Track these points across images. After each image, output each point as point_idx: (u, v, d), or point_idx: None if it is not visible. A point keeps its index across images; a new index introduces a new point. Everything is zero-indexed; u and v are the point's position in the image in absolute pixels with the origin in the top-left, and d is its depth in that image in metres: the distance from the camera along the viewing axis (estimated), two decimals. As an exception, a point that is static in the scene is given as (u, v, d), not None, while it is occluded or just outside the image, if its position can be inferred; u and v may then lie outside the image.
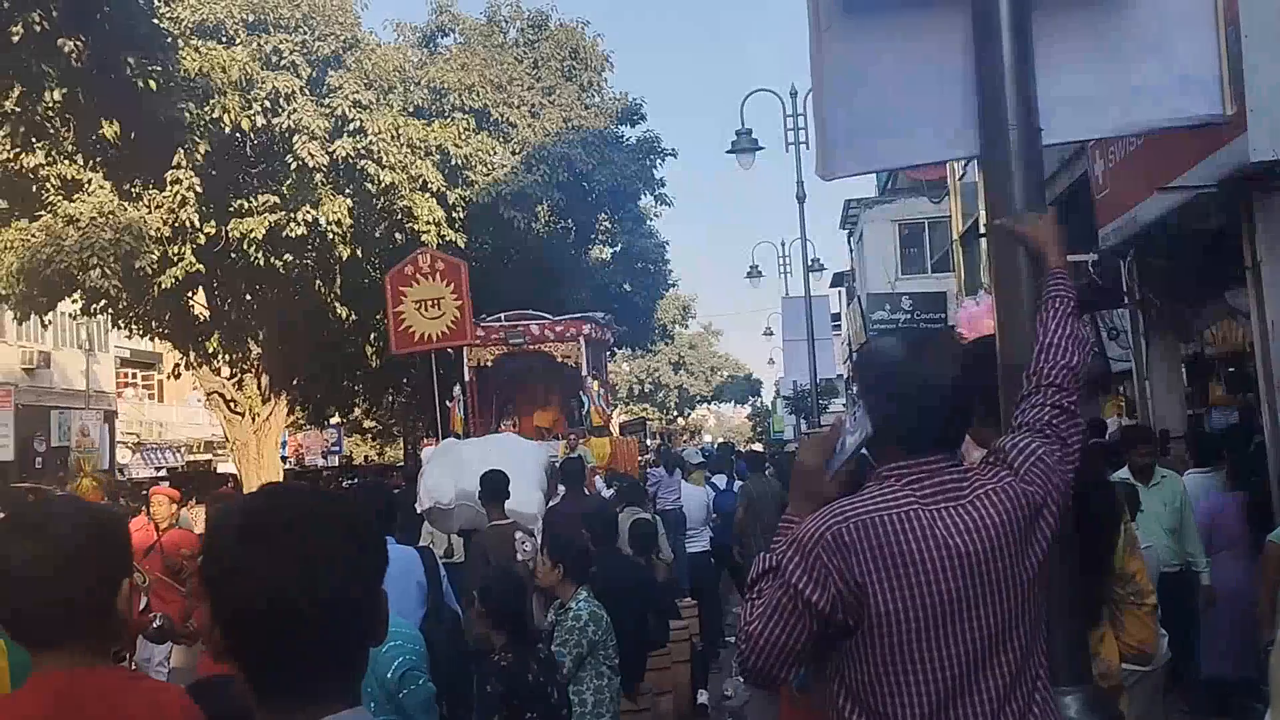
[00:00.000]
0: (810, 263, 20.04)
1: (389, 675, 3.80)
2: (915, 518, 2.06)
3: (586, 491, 9.53)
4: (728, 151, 17.61)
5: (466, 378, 16.90)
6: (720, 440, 43.14)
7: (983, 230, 14.35)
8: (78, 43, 10.05)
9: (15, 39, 9.83)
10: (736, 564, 11.52)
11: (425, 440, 24.13)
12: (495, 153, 20.50)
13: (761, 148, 17.55)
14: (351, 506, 1.42)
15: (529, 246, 21.50)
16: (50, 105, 11.10)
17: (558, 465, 9.67)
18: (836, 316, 33.82)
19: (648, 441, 23.04)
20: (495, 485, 7.63)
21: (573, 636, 5.48)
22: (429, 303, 14.06)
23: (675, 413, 64.74)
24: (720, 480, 13.41)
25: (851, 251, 33.81)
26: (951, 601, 2.03)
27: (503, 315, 17.54)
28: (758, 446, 38.24)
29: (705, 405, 73.83)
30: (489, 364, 17.15)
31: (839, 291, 36.73)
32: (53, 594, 1.92)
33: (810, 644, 2.07)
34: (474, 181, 20.04)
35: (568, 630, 5.52)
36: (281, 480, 21.11)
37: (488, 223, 20.62)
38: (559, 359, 17.00)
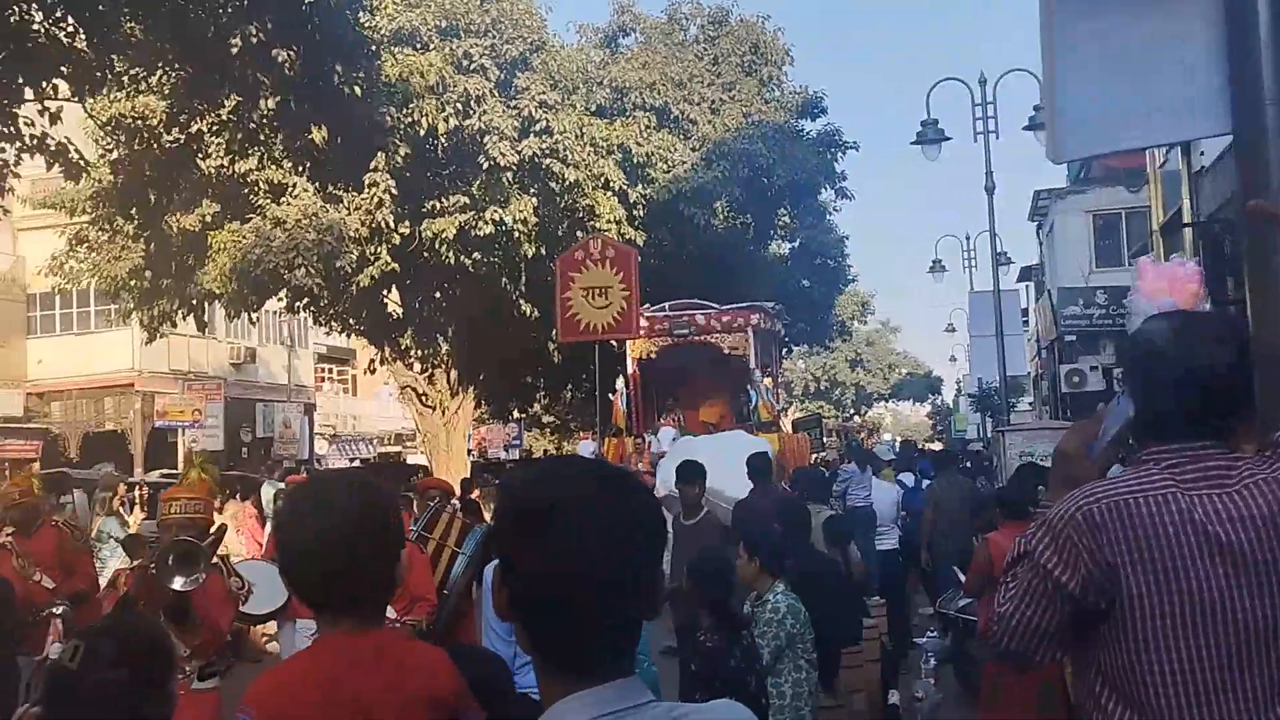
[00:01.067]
0: (998, 256, 19.37)
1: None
2: (1172, 500, 1.98)
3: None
4: (912, 143, 17.18)
5: (629, 370, 16.69)
6: (900, 439, 42.19)
7: (1187, 220, 13.49)
8: (290, 52, 10.64)
9: (234, 50, 10.48)
10: (925, 569, 11.28)
11: (581, 434, 24.50)
12: (675, 150, 20.65)
13: (948, 138, 17.06)
14: (637, 485, 1.45)
15: (707, 243, 21.56)
16: (264, 113, 11.78)
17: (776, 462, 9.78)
18: (1025, 312, 32.60)
19: (823, 439, 22.69)
20: (695, 470, 7.72)
21: (771, 629, 5.46)
22: (596, 291, 13.59)
23: (852, 411, 63.80)
24: (908, 478, 13.13)
25: (1041, 244, 32.54)
26: (1209, 590, 1.94)
27: (667, 305, 17.18)
28: (937, 445, 37.31)
29: (882, 403, 72.53)
30: (653, 356, 16.88)
31: (1026, 286, 35.45)
32: (338, 564, 2.07)
33: (1063, 627, 2.02)
34: (654, 179, 20.25)
35: (765, 622, 5.50)
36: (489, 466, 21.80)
37: (666, 219, 20.79)
38: (725, 350, 16.61)
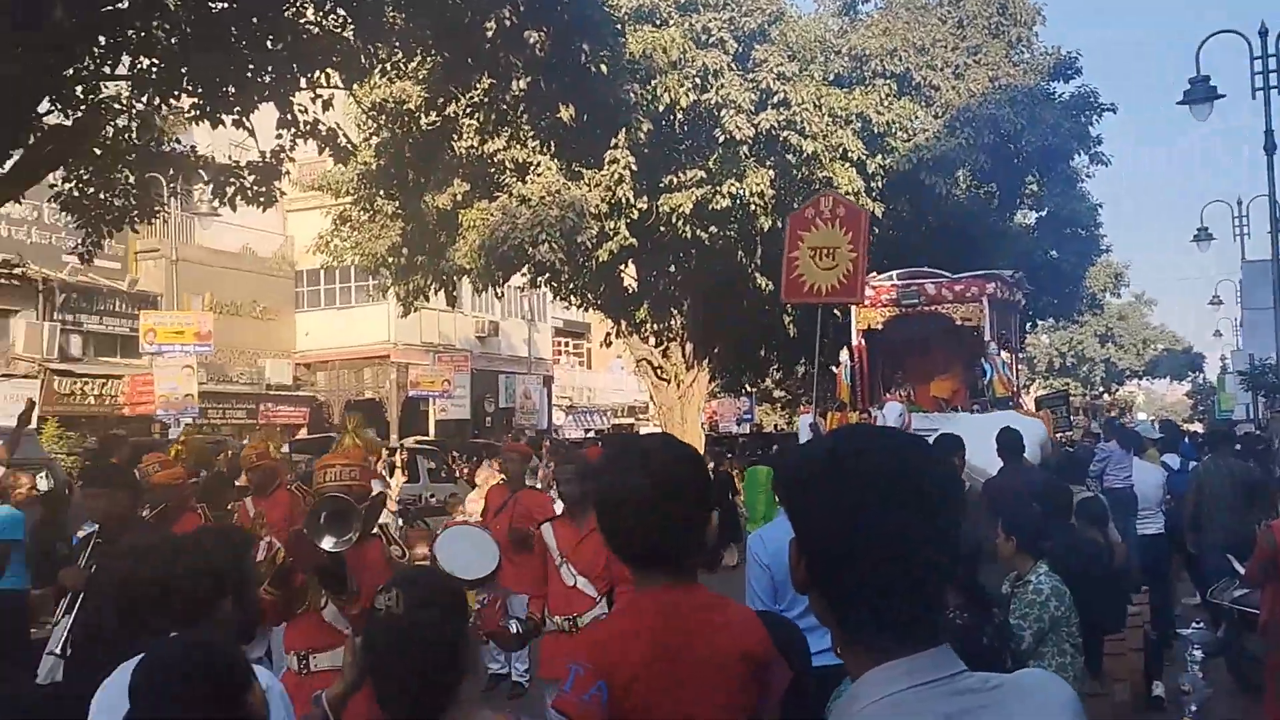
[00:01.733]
0: (1277, 222, 17.79)
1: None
2: None
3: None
4: (1179, 102, 15.97)
5: (854, 342, 16.24)
6: (1154, 418, 39.69)
7: None
8: (541, 34, 10.98)
9: (488, 34, 10.90)
10: (1190, 554, 10.59)
11: (803, 407, 24.14)
12: (917, 118, 20.08)
13: (1221, 95, 15.76)
14: (930, 450, 1.40)
15: (947, 213, 20.88)
16: (515, 93, 12.21)
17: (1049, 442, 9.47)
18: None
19: (1069, 417, 21.56)
20: (952, 442, 7.51)
21: (1033, 610, 5.31)
22: (824, 251, 12.84)
23: (1100, 388, 60.46)
24: (1172, 459, 12.32)
25: (1323, 209, 29.76)
26: None
27: (895, 273, 16.59)
28: (1197, 426, 34.90)
29: (1135, 380, 68.29)
30: (879, 326, 16.34)
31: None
32: (658, 520, 2.14)
33: None
34: (894, 148, 19.76)
35: (1027, 604, 5.34)
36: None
37: (906, 190, 20.27)
38: (958, 321, 15.90)
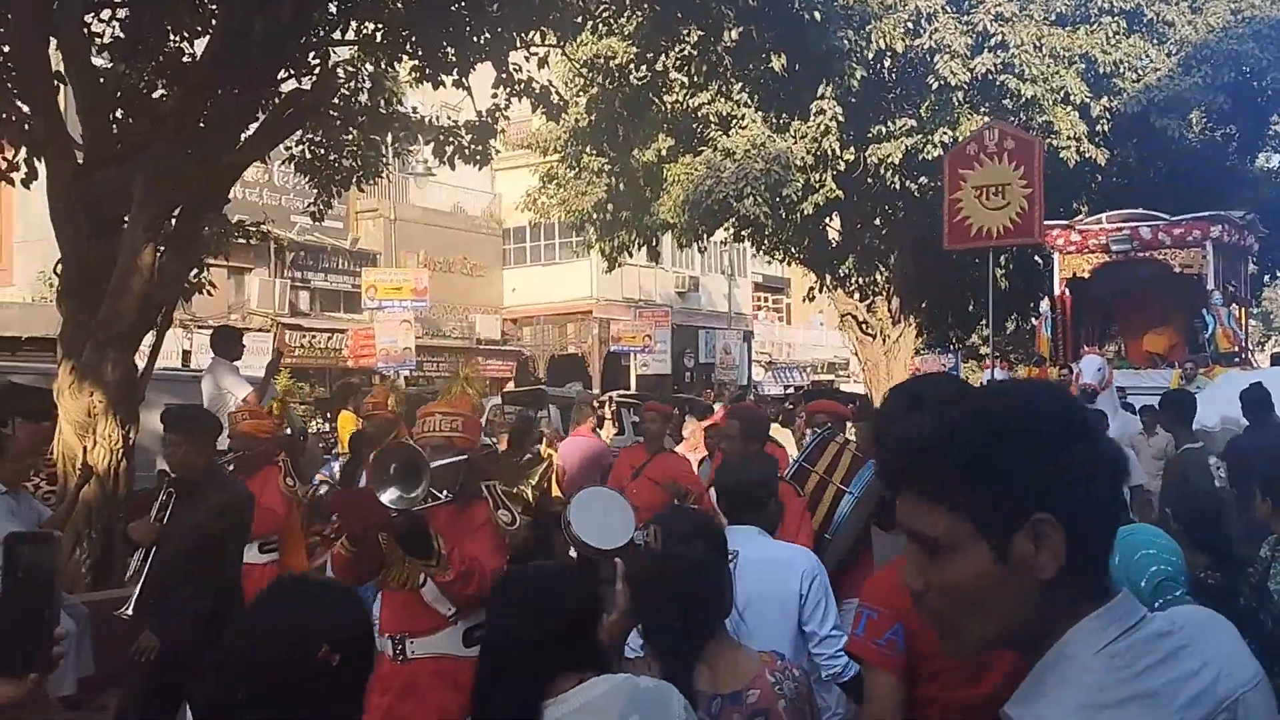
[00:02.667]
0: None
1: (1143, 583, 3.68)
2: None
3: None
4: None
5: (1057, 291, 15.31)
6: None
7: None
8: (760, -18, 10.86)
9: (705, -17, 10.83)
10: None
11: (985, 362, 23.06)
12: (1147, 56, 18.84)
13: None
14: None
15: (1179, 157, 19.57)
16: (727, 44, 12.10)
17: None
18: None
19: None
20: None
21: (1297, 577, 4.98)
22: (991, 189, 11.56)
23: (1351, 347, 55.81)
24: None
25: None
26: None
27: (1104, 215, 15.49)
28: None
29: (1396, 340, 62.68)
30: (1086, 275, 15.32)
31: None
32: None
33: None
34: (1121, 90, 18.61)
35: (1294, 568, 5.02)
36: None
37: (1133, 134, 19.10)
38: (1176, 269, 14.76)
